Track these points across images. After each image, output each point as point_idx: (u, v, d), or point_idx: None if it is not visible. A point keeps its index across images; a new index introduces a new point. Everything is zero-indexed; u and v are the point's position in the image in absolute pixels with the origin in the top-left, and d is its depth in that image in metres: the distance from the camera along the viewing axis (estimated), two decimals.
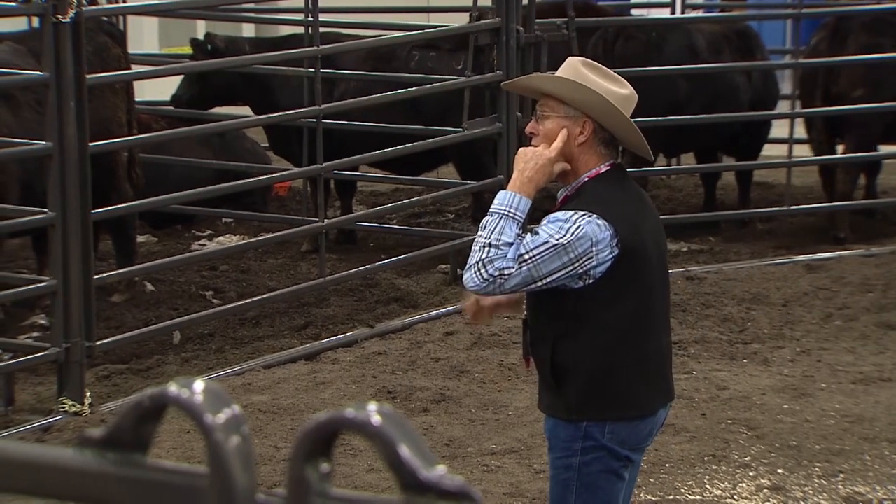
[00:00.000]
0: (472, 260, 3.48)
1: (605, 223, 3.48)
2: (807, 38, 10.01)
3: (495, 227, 3.47)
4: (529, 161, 3.52)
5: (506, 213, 3.48)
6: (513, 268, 3.44)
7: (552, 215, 3.53)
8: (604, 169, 3.60)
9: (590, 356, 3.55)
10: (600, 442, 3.56)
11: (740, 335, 7.29)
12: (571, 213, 3.50)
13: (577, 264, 3.46)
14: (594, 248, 3.46)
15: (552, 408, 3.64)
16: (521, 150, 3.59)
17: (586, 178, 3.59)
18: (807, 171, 10.67)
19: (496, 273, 3.44)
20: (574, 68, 3.64)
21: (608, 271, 3.49)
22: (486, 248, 3.46)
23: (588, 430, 3.57)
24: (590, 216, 3.48)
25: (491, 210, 3.51)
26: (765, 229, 9.58)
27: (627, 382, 3.58)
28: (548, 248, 3.44)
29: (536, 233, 3.48)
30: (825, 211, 9.44)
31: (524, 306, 3.69)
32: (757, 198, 10.17)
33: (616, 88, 3.61)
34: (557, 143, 3.55)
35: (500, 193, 3.52)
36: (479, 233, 3.51)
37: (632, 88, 3.66)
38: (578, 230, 3.46)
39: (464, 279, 3.52)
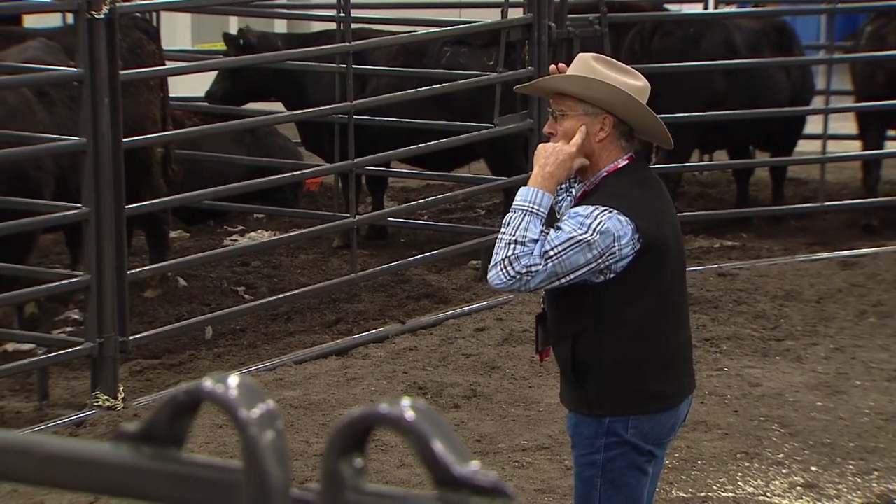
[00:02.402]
0: (496, 257, 3.46)
1: (627, 219, 3.47)
2: (841, 33, 9.96)
3: (519, 224, 3.45)
4: (550, 157, 3.50)
5: (529, 209, 3.46)
6: (539, 264, 3.43)
7: (573, 210, 3.52)
8: (623, 163, 3.59)
9: (611, 351, 3.55)
10: (623, 437, 3.55)
11: (773, 332, 7.25)
12: (592, 208, 3.49)
13: (600, 260, 3.46)
14: (616, 244, 3.46)
15: (574, 403, 3.63)
16: (541, 146, 3.57)
17: (605, 173, 3.58)
18: (840, 167, 10.61)
19: (523, 270, 3.43)
20: (587, 64, 3.61)
21: (629, 266, 3.48)
22: (512, 245, 3.44)
23: (611, 425, 3.56)
24: (610, 211, 3.48)
25: (513, 207, 3.49)
26: (798, 226, 9.52)
27: (649, 377, 3.58)
28: (572, 244, 3.43)
29: (559, 228, 3.47)
30: (860, 207, 9.39)
31: (541, 302, 3.70)
32: (790, 194, 10.11)
33: (631, 81, 3.60)
34: (577, 139, 3.53)
35: (522, 190, 3.50)
36: (503, 230, 3.49)
37: (644, 79, 3.64)
38: (600, 226, 3.45)
39: (489, 276, 3.50)
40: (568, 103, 3.58)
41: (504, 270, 3.44)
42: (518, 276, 3.43)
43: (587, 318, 3.54)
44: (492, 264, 3.48)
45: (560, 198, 3.74)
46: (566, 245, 3.43)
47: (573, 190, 3.69)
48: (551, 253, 3.43)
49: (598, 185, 3.58)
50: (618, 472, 3.57)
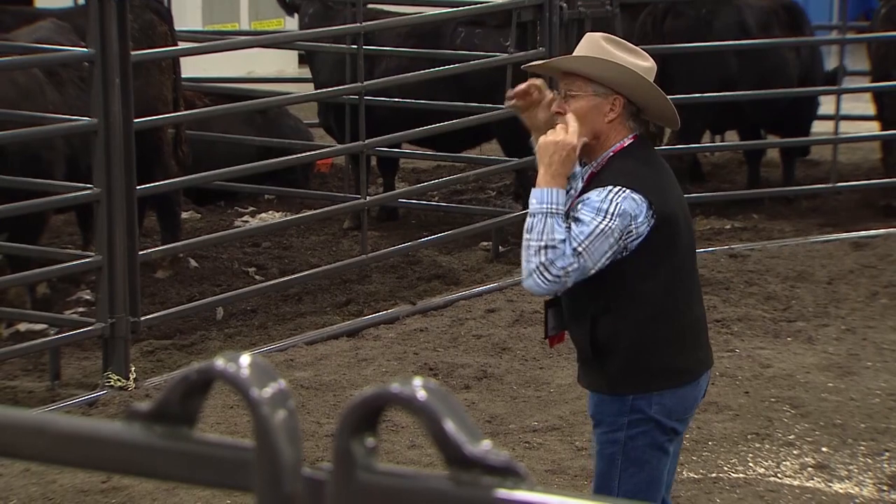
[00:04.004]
0: (529, 265, 3.45)
1: (640, 196, 3.50)
2: (854, 13, 9.91)
3: (543, 228, 3.45)
4: (554, 155, 3.48)
5: (548, 210, 3.46)
6: (574, 262, 3.45)
7: (586, 197, 3.53)
8: (628, 142, 3.61)
9: (629, 329, 3.57)
10: (647, 414, 3.57)
11: (784, 313, 7.24)
12: (605, 191, 3.50)
13: (620, 241, 3.50)
14: (633, 223, 3.50)
15: (596, 384, 3.65)
16: (543, 142, 3.52)
17: (611, 153, 3.60)
18: (852, 148, 10.57)
19: (561, 273, 3.45)
20: (597, 44, 3.62)
21: (644, 242, 3.53)
22: (543, 251, 3.44)
23: (634, 403, 3.58)
24: (623, 191, 3.50)
25: (531, 211, 3.48)
26: (810, 206, 9.50)
27: (668, 352, 3.61)
28: (596, 235, 3.47)
29: (579, 220, 3.48)
30: (875, 187, 9.36)
31: None
32: (802, 175, 10.08)
33: (640, 61, 3.61)
34: (574, 126, 3.51)
35: (535, 192, 3.49)
36: (526, 236, 3.48)
37: (652, 60, 3.66)
38: (617, 208, 3.48)
39: (525, 285, 3.50)
40: (578, 83, 3.58)
41: (542, 277, 3.45)
42: (557, 279, 3.46)
43: (604, 298, 3.56)
44: (526, 273, 3.47)
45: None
46: (591, 237, 3.46)
47: (578, 169, 3.67)
48: (580, 249, 3.46)
49: (605, 165, 3.59)
50: (639, 451, 3.59)
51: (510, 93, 3.69)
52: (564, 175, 3.51)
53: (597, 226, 3.46)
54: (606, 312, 3.56)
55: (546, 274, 3.44)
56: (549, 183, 3.48)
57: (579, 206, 3.52)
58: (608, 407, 3.61)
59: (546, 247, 3.44)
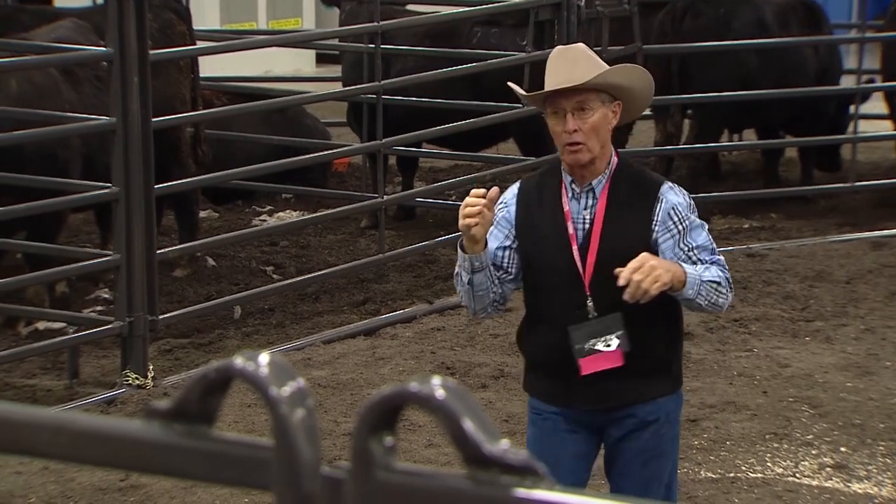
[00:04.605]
0: (727, 290, 3.54)
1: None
2: (873, 12, 9.87)
3: (710, 278, 3.53)
4: (657, 271, 3.40)
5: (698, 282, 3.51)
6: (724, 264, 3.61)
7: (673, 203, 3.56)
8: (614, 148, 3.67)
9: (678, 324, 3.67)
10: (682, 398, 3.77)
11: (803, 313, 7.22)
12: (673, 191, 3.59)
13: None
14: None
15: (652, 391, 3.62)
16: (647, 265, 3.40)
17: (615, 160, 3.62)
18: (871, 147, 10.53)
19: (729, 276, 3.61)
20: (584, 54, 3.60)
21: None
22: (724, 270, 3.57)
23: (680, 393, 3.71)
24: (674, 185, 3.66)
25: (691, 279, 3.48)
26: (828, 206, 9.46)
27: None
28: (706, 230, 3.64)
29: (691, 229, 3.56)
30: (894, 187, 9.32)
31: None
32: (820, 174, 10.05)
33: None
34: (668, 273, 3.44)
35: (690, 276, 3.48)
36: (715, 279, 3.51)
37: None
38: (692, 201, 3.65)
39: (729, 304, 3.61)
40: (592, 97, 3.53)
41: (730, 289, 3.59)
42: (732, 283, 3.62)
43: (665, 298, 3.51)
44: (726, 297, 3.54)
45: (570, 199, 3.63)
46: (707, 234, 3.61)
47: (576, 188, 3.59)
48: (714, 248, 3.61)
49: (620, 168, 3.60)
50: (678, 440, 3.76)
51: (471, 219, 3.47)
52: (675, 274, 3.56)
53: (701, 223, 3.61)
54: (667, 315, 3.60)
55: (731, 286, 3.61)
56: (680, 276, 3.47)
57: (671, 215, 3.54)
58: (670, 405, 3.65)
59: (725, 271, 3.60)
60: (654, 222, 3.54)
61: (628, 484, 3.63)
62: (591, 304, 3.53)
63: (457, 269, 3.64)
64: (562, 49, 3.66)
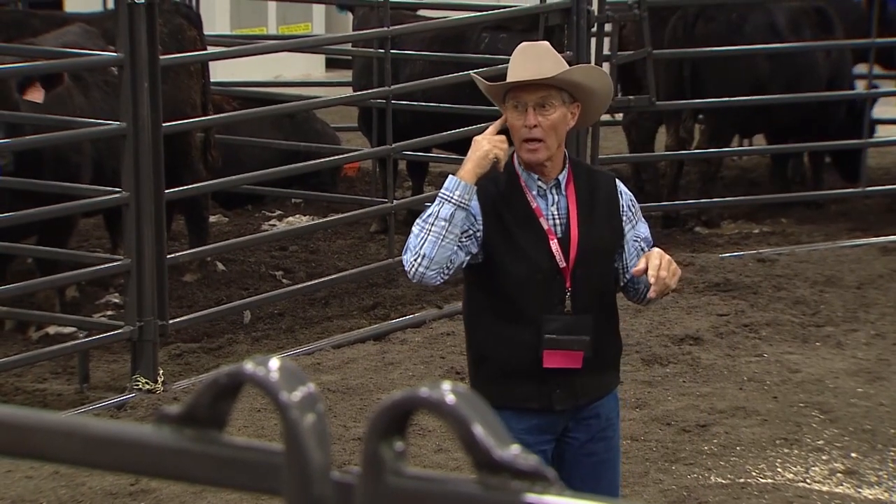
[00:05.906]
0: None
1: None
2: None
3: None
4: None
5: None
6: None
7: (629, 195, 3.69)
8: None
9: (618, 318, 3.74)
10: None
11: (813, 318, 7.20)
12: (620, 187, 3.68)
13: None
14: None
15: (608, 384, 3.70)
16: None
17: (569, 159, 3.68)
18: (882, 152, 10.51)
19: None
20: (548, 52, 3.64)
21: None
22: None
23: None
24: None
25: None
26: (839, 211, 9.44)
27: None
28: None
29: (640, 218, 3.68)
30: None
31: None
32: (830, 179, 10.02)
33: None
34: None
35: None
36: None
37: None
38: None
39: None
40: (554, 94, 3.57)
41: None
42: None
43: (613, 296, 3.69)
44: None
45: (539, 195, 3.65)
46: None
47: (542, 185, 3.62)
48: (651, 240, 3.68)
49: (575, 167, 3.68)
50: None
51: (501, 148, 3.56)
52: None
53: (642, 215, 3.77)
54: (615, 310, 3.70)
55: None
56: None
57: (629, 208, 3.65)
58: (615, 401, 3.72)
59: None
60: (622, 213, 3.65)
61: (605, 485, 3.65)
62: (569, 299, 3.56)
63: (434, 206, 3.53)
64: (528, 45, 3.71)
